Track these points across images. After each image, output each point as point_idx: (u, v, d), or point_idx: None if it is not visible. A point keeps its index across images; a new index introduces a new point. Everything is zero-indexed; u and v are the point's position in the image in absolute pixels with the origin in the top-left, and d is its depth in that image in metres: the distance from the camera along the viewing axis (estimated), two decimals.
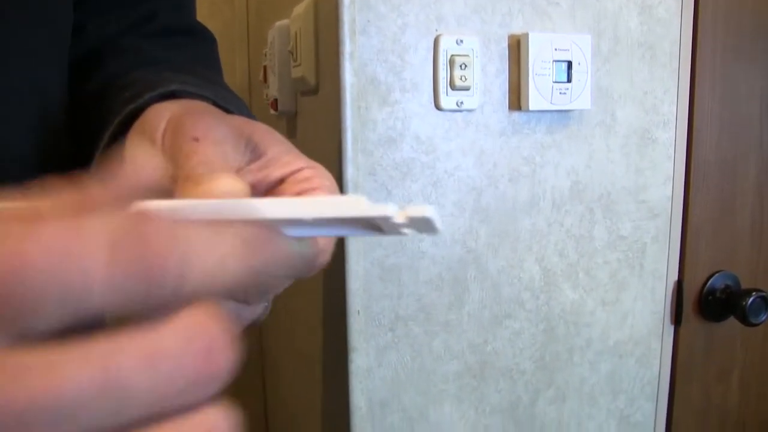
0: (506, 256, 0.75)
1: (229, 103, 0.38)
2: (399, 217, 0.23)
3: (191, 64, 0.46)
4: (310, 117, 0.79)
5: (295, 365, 1.00)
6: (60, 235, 0.15)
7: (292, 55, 0.78)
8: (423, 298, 0.72)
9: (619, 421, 0.85)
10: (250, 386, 1.39)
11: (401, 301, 0.71)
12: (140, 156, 0.29)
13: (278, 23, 0.83)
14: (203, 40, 0.53)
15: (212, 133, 0.28)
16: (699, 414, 0.90)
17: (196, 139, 0.27)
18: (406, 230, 0.24)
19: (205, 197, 0.24)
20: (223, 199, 0.24)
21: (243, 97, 1.32)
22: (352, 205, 0.24)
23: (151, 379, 0.15)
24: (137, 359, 0.15)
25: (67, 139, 0.42)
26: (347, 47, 0.65)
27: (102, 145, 0.34)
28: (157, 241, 0.16)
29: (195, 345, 0.16)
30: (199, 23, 0.54)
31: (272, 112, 0.89)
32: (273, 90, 0.88)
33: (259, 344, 1.38)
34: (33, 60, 0.39)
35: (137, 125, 0.32)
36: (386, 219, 0.24)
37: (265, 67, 0.94)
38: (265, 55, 0.93)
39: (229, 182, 0.25)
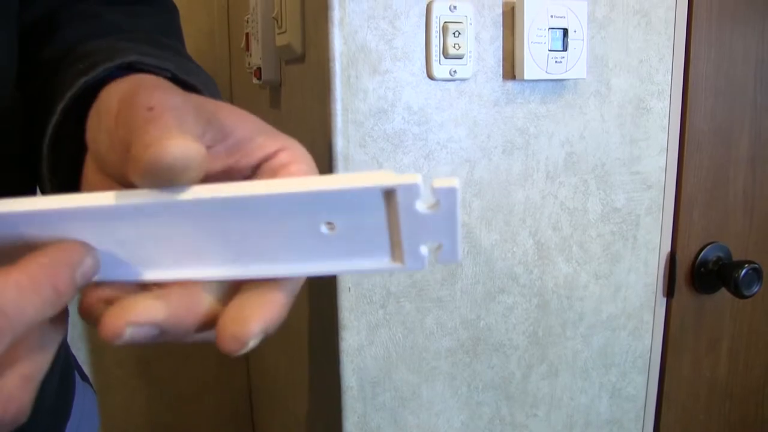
0: (500, 230, 0.73)
1: (191, 74, 0.34)
2: (428, 186, 0.24)
3: (152, 34, 0.42)
4: (297, 86, 0.76)
5: (281, 343, 0.98)
6: None
7: (277, 22, 0.74)
8: (415, 274, 0.70)
9: (612, 394, 0.84)
10: (233, 363, 1.37)
11: (393, 277, 0.69)
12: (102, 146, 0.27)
13: None
14: (165, 10, 0.50)
15: (169, 102, 0.25)
16: (689, 385, 0.90)
17: (151, 108, 0.25)
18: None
19: (153, 163, 0.22)
20: (173, 165, 0.23)
21: (223, 66, 1.28)
22: (379, 176, 0.24)
23: None
24: None
25: (18, 114, 0.39)
26: (336, 13, 0.62)
27: (54, 120, 0.32)
28: None
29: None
30: None
31: (255, 81, 0.85)
32: (256, 58, 0.85)
33: None
34: None
35: (94, 108, 0.29)
36: (412, 190, 0.24)
37: (247, 35, 0.90)
38: (247, 22, 0.89)
39: (181, 144, 0.23)
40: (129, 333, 0.24)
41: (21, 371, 0.23)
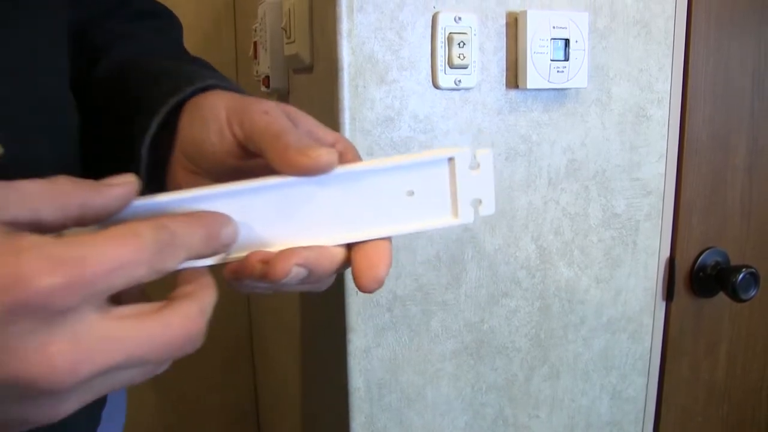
0: (503, 235, 0.75)
1: (240, 90, 0.43)
2: (473, 155, 0.35)
3: (198, 58, 0.52)
4: (305, 95, 0.78)
5: (288, 344, 1.00)
6: (114, 252, 0.25)
7: (285, 32, 0.76)
8: (421, 278, 0.72)
9: (612, 396, 0.86)
10: (239, 364, 1.39)
11: (399, 281, 0.71)
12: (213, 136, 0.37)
13: None
14: (172, 25, 0.59)
15: (274, 109, 0.36)
16: (688, 387, 0.92)
17: (266, 112, 0.36)
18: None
19: (312, 166, 0.32)
20: (324, 168, 0.33)
21: (230, 72, 1.30)
22: (443, 150, 0.35)
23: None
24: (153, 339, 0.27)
25: (71, 114, 0.46)
26: (344, 25, 0.64)
27: (151, 132, 0.40)
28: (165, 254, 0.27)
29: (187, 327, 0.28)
30: (159, 4, 0.59)
31: (264, 89, 0.87)
32: (264, 67, 0.86)
33: (248, 324, 1.37)
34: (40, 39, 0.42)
35: (194, 112, 0.39)
36: (465, 156, 0.35)
37: (255, 43, 0.92)
38: (255, 31, 0.91)
39: (328, 153, 0.33)
40: (294, 271, 0.32)
41: (198, 303, 0.28)
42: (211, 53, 1.23)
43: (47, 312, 0.23)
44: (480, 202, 0.36)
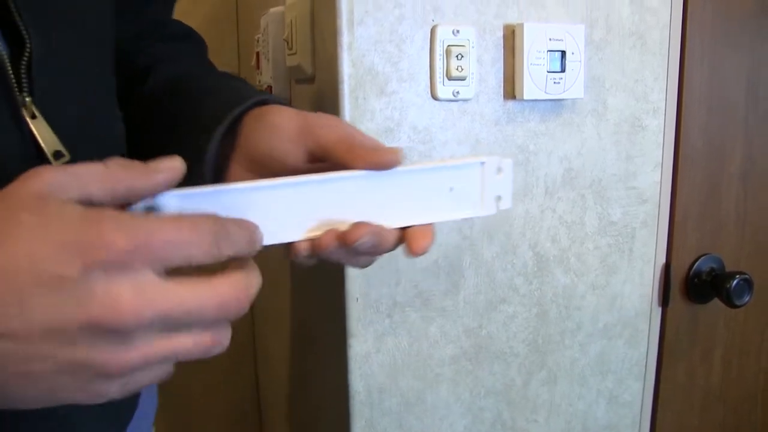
0: (501, 243, 0.76)
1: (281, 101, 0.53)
2: (499, 161, 0.45)
3: (230, 74, 0.63)
4: (307, 105, 0.80)
5: (289, 348, 1.02)
6: (175, 232, 0.31)
7: (288, 43, 0.78)
8: (420, 284, 0.73)
9: (609, 400, 0.87)
10: (241, 365, 1.40)
11: (399, 287, 0.72)
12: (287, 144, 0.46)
13: (272, 10, 0.83)
14: (202, 45, 0.70)
15: (337, 121, 0.47)
16: (683, 392, 0.93)
17: (333, 126, 0.46)
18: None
19: (386, 161, 0.42)
20: (395, 164, 0.42)
21: None
22: (477, 156, 0.45)
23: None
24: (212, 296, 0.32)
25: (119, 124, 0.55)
26: (345, 38, 0.66)
27: (214, 140, 0.48)
28: (228, 238, 0.33)
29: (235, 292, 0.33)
30: (187, 27, 0.69)
31: None
32: (266, 77, 0.88)
33: (251, 328, 1.39)
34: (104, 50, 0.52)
35: (258, 122, 0.48)
36: (493, 162, 0.45)
37: (257, 53, 0.94)
38: (258, 41, 0.93)
39: (396, 152, 0.42)
40: (367, 238, 0.40)
41: (244, 277, 0.34)
42: (214, 61, 1.24)
43: (118, 268, 0.30)
44: (500, 198, 0.46)
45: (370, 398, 0.73)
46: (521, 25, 0.71)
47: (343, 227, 0.41)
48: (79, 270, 0.29)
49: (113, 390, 0.32)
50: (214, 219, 0.33)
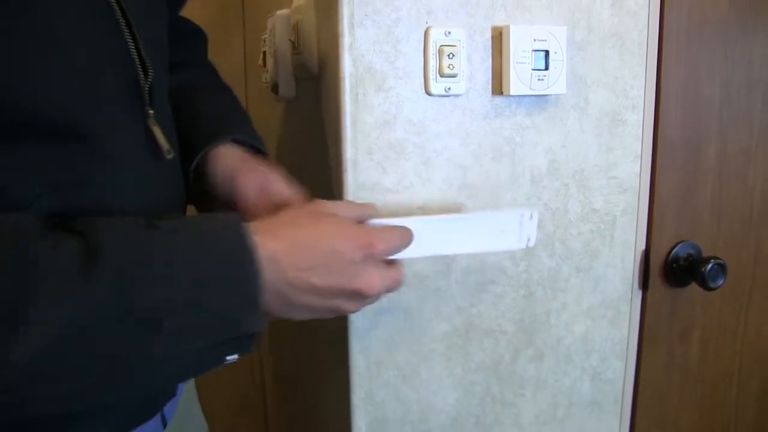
0: None
1: (255, 139, 0.76)
2: (532, 212, 0.69)
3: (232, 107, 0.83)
4: (311, 101, 0.86)
5: (292, 328, 1.08)
6: (395, 240, 0.60)
7: (293, 44, 0.84)
8: (415, 266, 0.79)
9: (592, 377, 0.93)
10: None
11: None
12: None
13: (279, 12, 0.89)
14: (207, 43, 0.92)
15: (281, 185, 0.69)
16: (663, 371, 0.99)
17: (278, 193, 0.69)
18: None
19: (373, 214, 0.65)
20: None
21: (239, 78, 1.37)
22: (519, 209, 0.69)
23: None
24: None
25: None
26: (346, 39, 0.72)
27: (194, 166, 0.71)
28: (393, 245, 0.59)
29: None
30: (195, 24, 0.91)
31: (273, 95, 0.95)
32: (272, 75, 0.94)
33: None
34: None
35: (217, 162, 0.71)
36: (528, 213, 0.69)
37: (264, 52, 1.00)
38: (264, 41, 0.99)
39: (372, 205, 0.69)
40: None
41: (394, 274, 0.58)
42: (221, 60, 1.30)
43: (374, 260, 0.56)
44: (529, 238, 0.69)
45: (369, 371, 0.80)
46: (508, 27, 0.77)
47: (438, 250, 0.66)
48: (361, 257, 0.54)
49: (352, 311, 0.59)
50: (403, 228, 0.61)
